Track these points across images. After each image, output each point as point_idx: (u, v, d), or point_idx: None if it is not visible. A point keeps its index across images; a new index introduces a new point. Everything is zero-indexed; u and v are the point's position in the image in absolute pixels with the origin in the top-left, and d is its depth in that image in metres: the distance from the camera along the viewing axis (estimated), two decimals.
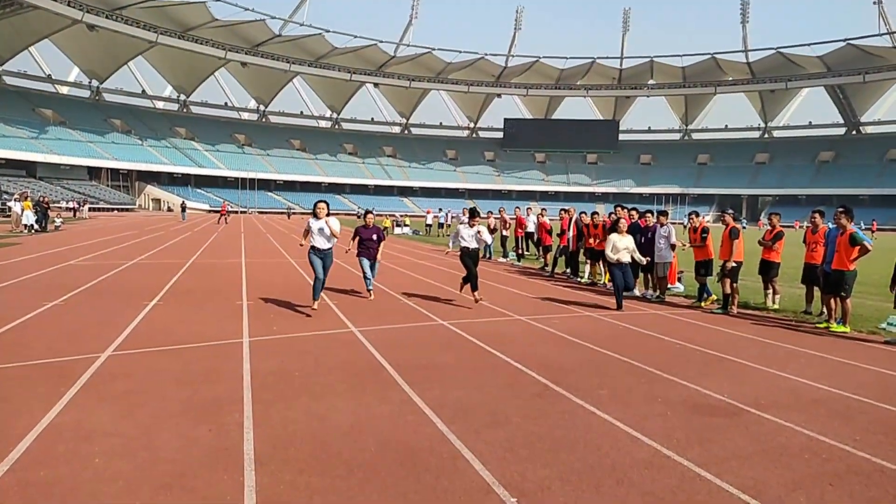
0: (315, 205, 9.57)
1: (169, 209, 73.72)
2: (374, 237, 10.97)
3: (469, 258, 10.41)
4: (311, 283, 9.69)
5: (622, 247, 10.59)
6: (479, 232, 10.37)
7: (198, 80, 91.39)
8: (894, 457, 4.25)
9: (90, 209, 54.11)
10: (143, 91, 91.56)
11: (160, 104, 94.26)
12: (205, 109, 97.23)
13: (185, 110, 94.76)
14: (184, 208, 51.21)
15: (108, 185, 75.38)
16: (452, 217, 38.17)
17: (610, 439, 4.47)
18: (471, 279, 10.37)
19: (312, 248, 9.44)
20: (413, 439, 4.36)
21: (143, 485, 3.56)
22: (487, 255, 20.58)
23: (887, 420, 5.06)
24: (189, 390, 5.32)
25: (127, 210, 68.49)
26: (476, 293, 10.44)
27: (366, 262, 10.86)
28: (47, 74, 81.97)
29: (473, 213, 10.67)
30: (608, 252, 10.61)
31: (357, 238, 10.99)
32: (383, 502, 3.44)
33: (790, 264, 12.56)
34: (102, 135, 77.41)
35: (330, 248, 9.51)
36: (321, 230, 9.37)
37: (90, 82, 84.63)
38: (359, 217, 57.22)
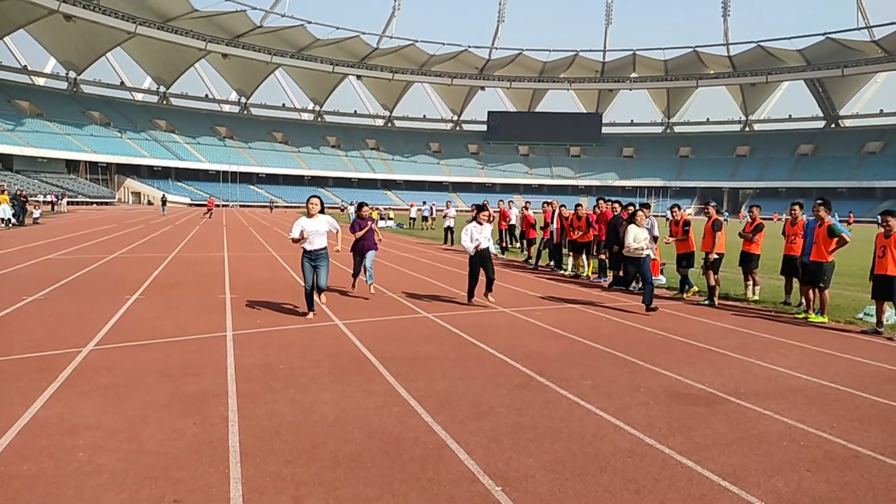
0: (308, 201, 8.49)
1: (149, 203, 72.85)
2: (371, 227, 10.54)
3: (477, 259, 9.76)
4: (302, 283, 8.73)
5: (641, 238, 9.93)
6: (477, 246, 9.74)
7: (178, 71, 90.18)
8: (869, 443, 4.36)
9: (68, 203, 53.33)
10: (122, 83, 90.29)
11: (139, 96, 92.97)
12: (185, 101, 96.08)
13: (164, 102, 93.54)
14: (164, 202, 50.70)
15: (86, 179, 74.23)
16: (437, 210, 38.12)
17: (593, 428, 4.53)
18: (488, 283, 9.84)
19: (306, 251, 8.34)
20: (398, 430, 4.39)
21: (127, 477, 3.55)
22: None
23: (863, 407, 5.18)
24: (173, 383, 5.30)
25: (106, 204, 67.46)
26: (473, 297, 9.93)
27: (358, 259, 10.57)
28: (23, 65, 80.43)
29: (481, 209, 10.10)
30: (630, 242, 9.89)
31: (357, 231, 10.41)
32: (369, 493, 3.46)
33: (770, 256, 12.74)
34: (80, 127, 76.19)
35: (324, 248, 8.39)
36: (316, 232, 8.28)
37: (67, 73, 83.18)
38: (342, 210, 56.99)
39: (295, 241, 8.30)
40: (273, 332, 7.43)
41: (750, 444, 4.29)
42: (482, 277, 9.92)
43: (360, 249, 10.49)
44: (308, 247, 8.29)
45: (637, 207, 12.31)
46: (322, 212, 8.47)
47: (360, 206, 11.01)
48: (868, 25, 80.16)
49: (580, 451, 4.09)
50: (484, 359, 6.50)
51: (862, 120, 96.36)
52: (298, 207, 73.93)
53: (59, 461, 3.74)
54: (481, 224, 9.86)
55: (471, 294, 9.99)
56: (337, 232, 8.63)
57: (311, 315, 8.37)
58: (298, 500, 3.36)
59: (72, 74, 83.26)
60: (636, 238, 9.87)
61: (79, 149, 71.86)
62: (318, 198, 8.54)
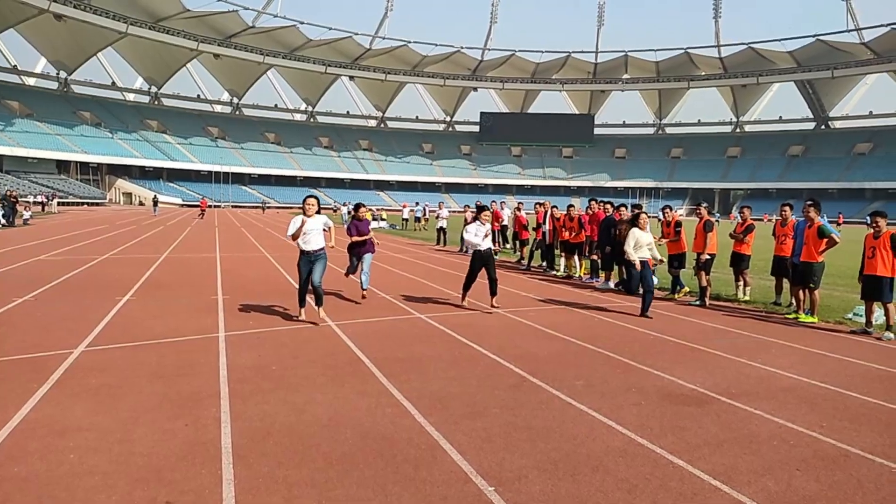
0: (304, 201, 8.12)
1: (140, 203, 72.44)
2: (368, 232, 10.12)
3: (482, 260, 9.48)
4: (295, 285, 8.56)
5: (645, 242, 9.62)
6: (486, 233, 9.49)
7: (169, 71, 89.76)
8: (858, 442, 4.39)
9: (59, 203, 52.99)
10: (113, 83, 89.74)
11: (131, 96, 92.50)
12: (177, 102, 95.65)
13: (156, 102, 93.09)
14: (155, 202, 50.51)
15: (77, 179, 73.75)
16: (430, 211, 38.13)
17: (586, 428, 4.55)
18: (491, 284, 9.54)
19: (304, 252, 8.01)
20: (391, 431, 4.39)
21: (119, 479, 3.53)
22: (465, 250, 20.62)
23: (852, 407, 5.22)
24: (165, 385, 5.28)
25: (97, 204, 67.06)
26: (466, 297, 9.75)
27: (354, 260, 10.21)
28: (13, 65, 79.85)
29: (482, 209, 9.88)
30: (629, 249, 9.52)
31: (355, 234, 10.03)
32: (362, 494, 3.47)
33: (760, 256, 12.81)
34: (71, 127, 75.69)
35: (322, 249, 8.07)
36: (315, 230, 7.99)
37: (58, 73, 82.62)
38: (335, 211, 56.92)
39: (294, 236, 7.92)
40: (265, 333, 7.42)
41: (741, 444, 4.32)
42: (481, 281, 9.65)
43: (357, 252, 10.19)
44: (306, 247, 7.94)
45: (630, 208, 12.36)
46: (318, 212, 8.14)
47: (358, 206, 10.53)
48: (857, 27, 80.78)
49: (573, 451, 4.11)
50: (477, 359, 6.51)
51: (852, 121, 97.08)
52: (291, 208, 73.67)
53: (50, 463, 3.73)
54: (483, 224, 9.61)
55: (466, 289, 9.76)
56: (329, 229, 8.33)
57: (302, 313, 8.22)
58: (291, 501, 3.36)
59: (62, 74, 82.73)
60: (637, 242, 9.56)
61: (69, 149, 71.40)
62: (316, 198, 8.23)
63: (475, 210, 10.25)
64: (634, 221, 9.95)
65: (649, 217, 10.19)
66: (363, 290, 10.16)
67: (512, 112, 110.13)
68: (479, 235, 9.43)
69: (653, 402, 5.18)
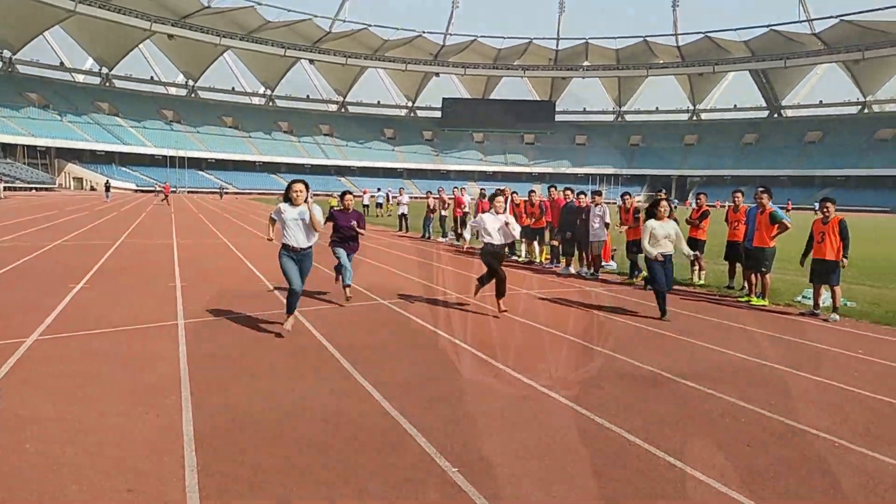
0: (289, 187, 6.69)
1: (92, 188, 70.28)
2: (355, 223, 8.90)
3: (493, 257, 8.33)
4: (282, 282, 7.30)
5: (662, 235, 8.26)
6: (506, 223, 8.21)
7: (121, 52, 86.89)
8: (804, 419, 4.60)
9: (5, 188, 50.99)
10: (62, 63, 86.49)
11: (80, 77, 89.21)
12: (129, 83, 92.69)
13: (107, 84, 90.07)
14: (108, 188, 49.08)
15: (24, 164, 71.03)
16: (392, 197, 38.00)
17: (547, 410, 4.65)
18: (498, 284, 8.21)
19: (285, 246, 6.71)
20: (357, 417, 4.42)
21: (80, 469, 3.48)
22: (427, 235, 20.66)
23: (800, 386, 5.45)
24: (125, 373, 5.19)
25: (46, 189, 64.80)
26: (501, 301, 8.24)
27: (342, 252, 8.96)
28: None
29: (494, 197, 8.67)
30: (645, 244, 8.28)
31: (333, 225, 9.01)
32: (328, 479, 3.49)
33: (713, 241, 13.15)
34: (17, 109, 72.76)
35: (310, 247, 6.82)
36: (301, 221, 6.65)
37: (2, 52, 79.22)
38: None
39: (273, 225, 6.99)
40: (226, 321, 7.33)
41: (695, 423, 4.49)
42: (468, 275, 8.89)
43: (344, 245, 9.04)
44: (289, 242, 6.69)
45: (589, 195, 12.55)
46: (306, 200, 6.73)
47: (343, 195, 9.38)
48: (809, 18, 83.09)
49: (535, 434, 4.20)
50: (440, 345, 6.57)
51: (803, 110, 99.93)
52: (249, 194, 72.55)
53: (7, 451, 3.65)
54: (498, 213, 8.35)
55: (482, 283, 8.70)
56: (314, 229, 6.78)
57: (287, 324, 6.76)
58: (255, 488, 3.37)
59: (6, 53, 79.30)
60: (653, 235, 8.29)
61: (15, 132, 68.67)
62: (303, 181, 6.77)
63: (479, 196, 9.20)
64: (652, 211, 8.51)
65: (609, 203, 10.28)
66: (346, 286, 9.05)
67: (474, 98, 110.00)
68: (485, 235, 8.27)
69: (611, 384, 5.32)
